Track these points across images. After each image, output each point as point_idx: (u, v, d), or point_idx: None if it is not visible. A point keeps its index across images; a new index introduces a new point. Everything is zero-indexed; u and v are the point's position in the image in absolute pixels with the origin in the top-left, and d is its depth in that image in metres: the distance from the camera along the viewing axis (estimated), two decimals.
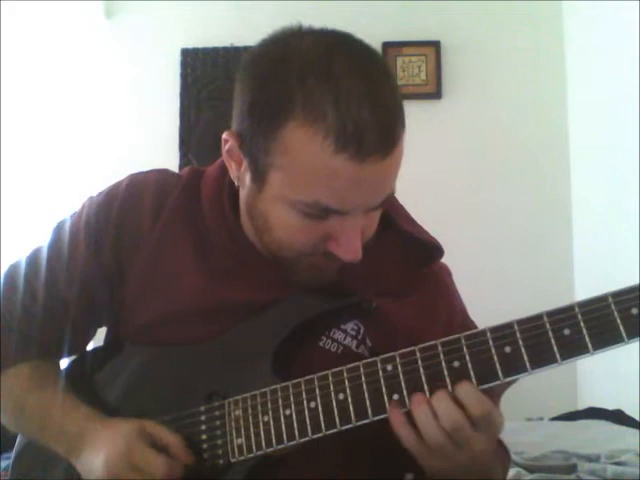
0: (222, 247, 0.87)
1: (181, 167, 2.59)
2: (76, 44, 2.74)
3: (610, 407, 2.07)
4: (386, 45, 2.71)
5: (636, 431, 1.78)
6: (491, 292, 2.46)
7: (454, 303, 0.93)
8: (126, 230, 0.89)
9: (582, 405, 2.39)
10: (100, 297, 0.91)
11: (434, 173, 2.66)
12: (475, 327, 0.85)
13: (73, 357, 0.96)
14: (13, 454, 0.95)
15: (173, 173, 0.95)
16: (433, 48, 2.72)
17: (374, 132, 0.70)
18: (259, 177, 0.77)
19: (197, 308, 0.86)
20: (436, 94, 2.72)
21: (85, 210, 0.92)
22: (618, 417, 1.98)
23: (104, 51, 2.75)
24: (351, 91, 0.70)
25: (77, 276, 0.90)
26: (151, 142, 2.72)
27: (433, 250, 0.91)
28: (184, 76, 2.75)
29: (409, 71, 2.72)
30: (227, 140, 0.79)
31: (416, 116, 2.81)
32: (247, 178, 0.79)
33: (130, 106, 2.75)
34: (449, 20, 2.74)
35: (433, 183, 2.64)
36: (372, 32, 2.68)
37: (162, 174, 0.94)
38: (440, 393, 0.70)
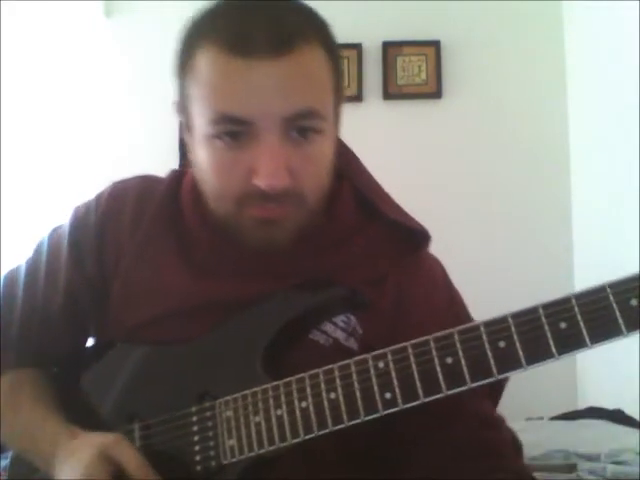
0: (204, 244, 0.87)
1: (181, 167, 2.58)
2: (76, 43, 2.73)
3: (610, 406, 2.06)
4: (386, 45, 2.70)
5: (636, 430, 1.78)
6: (492, 291, 2.45)
7: (442, 294, 0.91)
8: (108, 238, 0.89)
9: (582, 404, 2.38)
10: (84, 306, 0.90)
11: (434, 172, 2.66)
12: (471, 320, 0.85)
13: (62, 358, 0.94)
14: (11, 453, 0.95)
15: (156, 178, 0.95)
16: (433, 48, 2.71)
17: (262, 32, 0.73)
18: (189, 124, 0.81)
19: (184, 307, 0.85)
20: (436, 94, 2.71)
21: (68, 221, 0.93)
22: (618, 416, 1.97)
23: (104, 50, 2.75)
24: (246, 6, 0.76)
25: (59, 286, 0.90)
26: (151, 142, 2.71)
27: (419, 236, 0.90)
28: None
29: (409, 71, 2.72)
30: (179, 123, 0.84)
31: (416, 115, 2.83)
32: (187, 138, 0.83)
33: (130, 105, 2.75)
34: (449, 20, 2.73)
35: (433, 182, 2.64)
36: (372, 31, 2.71)
37: (144, 180, 0.94)
38: None
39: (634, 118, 2.04)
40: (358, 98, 2.69)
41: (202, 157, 0.80)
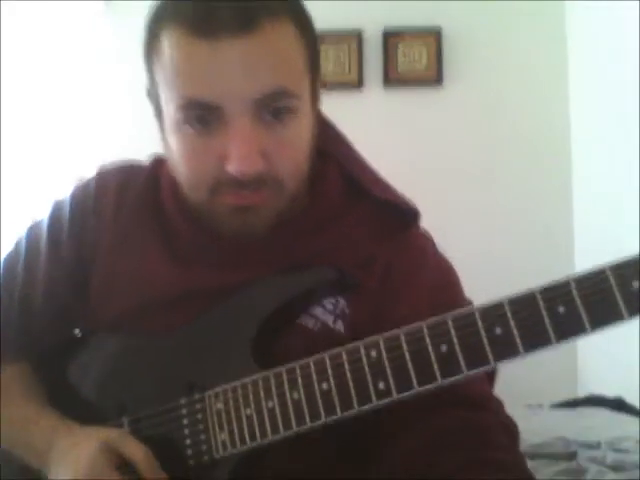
0: (184, 233, 0.85)
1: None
2: (76, 42, 2.71)
3: (610, 394, 2.06)
4: (387, 31, 2.68)
5: (636, 419, 1.78)
6: (493, 279, 2.43)
7: (433, 272, 0.86)
8: (87, 227, 0.88)
9: (582, 392, 2.38)
10: (66, 297, 0.89)
11: (434, 159, 2.65)
12: (465, 298, 0.82)
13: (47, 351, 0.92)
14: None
15: (139, 165, 0.94)
16: (434, 35, 2.69)
17: (226, 10, 0.70)
18: (159, 111, 0.79)
19: (168, 296, 0.83)
20: (437, 81, 2.70)
21: (49, 211, 0.92)
22: (618, 405, 1.96)
23: (104, 48, 2.71)
24: None
25: (40, 277, 0.88)
26: (151, 139, 2.69)
27: (408, 214, 0.87)
28: None
29: (410, 58, 2.70)
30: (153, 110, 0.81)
31: (417, 103, 2.82)
32: (159, 125, 0.81)
33: (130, 103, 2.73)
34: (450, 7, 2.71)
35: (434, 169, 2.63)
36: (373, 18, 2.69)
37: (126, 167, 0.93)
38: None
39: (634, 105, 2.03)
40: (359, 85, 2.67)
41: (173, 144, 0.77)
